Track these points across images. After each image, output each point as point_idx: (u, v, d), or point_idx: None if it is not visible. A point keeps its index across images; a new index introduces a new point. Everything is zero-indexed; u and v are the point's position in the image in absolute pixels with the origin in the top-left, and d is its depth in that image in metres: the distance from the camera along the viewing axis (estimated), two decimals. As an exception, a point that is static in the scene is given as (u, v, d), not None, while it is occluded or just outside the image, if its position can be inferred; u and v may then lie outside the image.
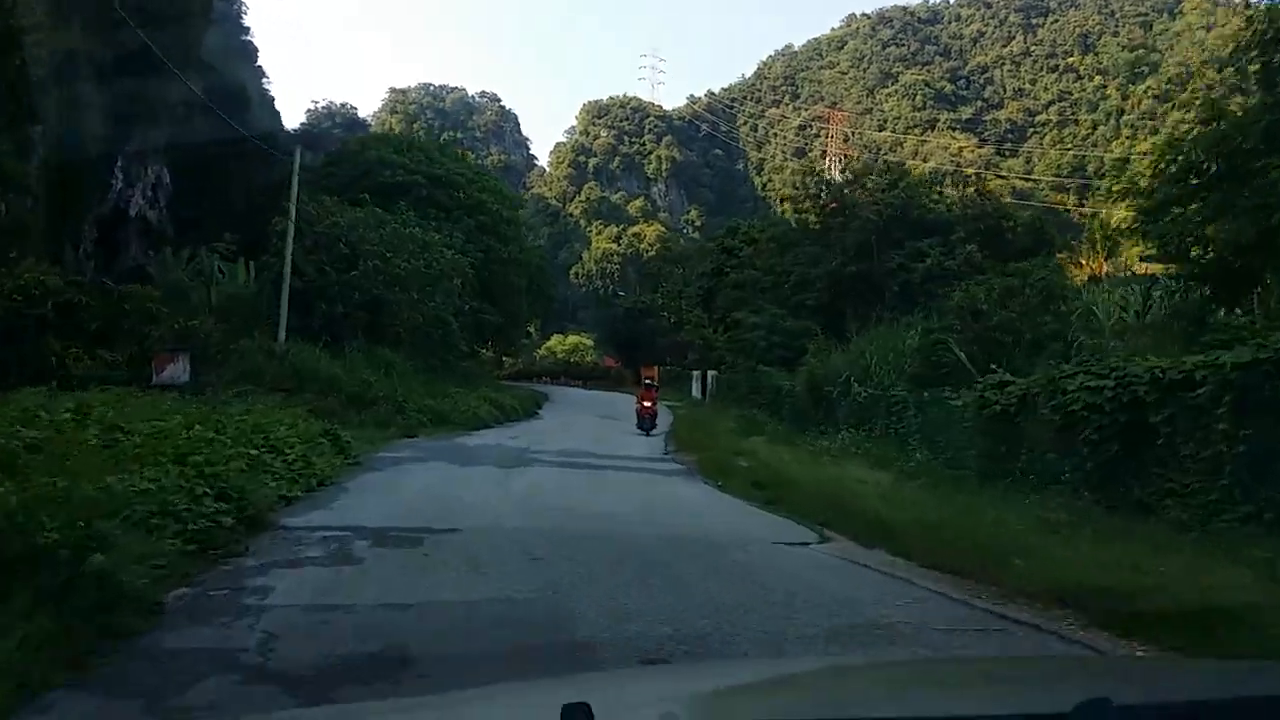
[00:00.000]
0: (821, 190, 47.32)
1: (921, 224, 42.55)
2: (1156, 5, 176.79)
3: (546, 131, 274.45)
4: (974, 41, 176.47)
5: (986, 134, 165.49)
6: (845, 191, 44.98)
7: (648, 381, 36.40)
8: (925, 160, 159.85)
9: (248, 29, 56.53)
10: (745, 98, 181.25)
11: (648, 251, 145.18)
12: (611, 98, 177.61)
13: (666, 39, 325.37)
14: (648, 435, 32.69)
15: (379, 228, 38.42)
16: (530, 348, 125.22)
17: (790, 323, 41.75)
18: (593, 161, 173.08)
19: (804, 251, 45.33)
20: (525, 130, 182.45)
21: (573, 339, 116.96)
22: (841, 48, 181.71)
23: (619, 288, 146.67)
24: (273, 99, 63.90)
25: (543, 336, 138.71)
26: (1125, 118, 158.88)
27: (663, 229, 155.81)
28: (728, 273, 63.32)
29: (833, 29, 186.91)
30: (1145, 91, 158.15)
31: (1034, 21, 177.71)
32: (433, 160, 53.86)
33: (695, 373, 54.61)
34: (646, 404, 34.11)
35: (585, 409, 45.78)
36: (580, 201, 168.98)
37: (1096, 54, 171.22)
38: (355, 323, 35.27)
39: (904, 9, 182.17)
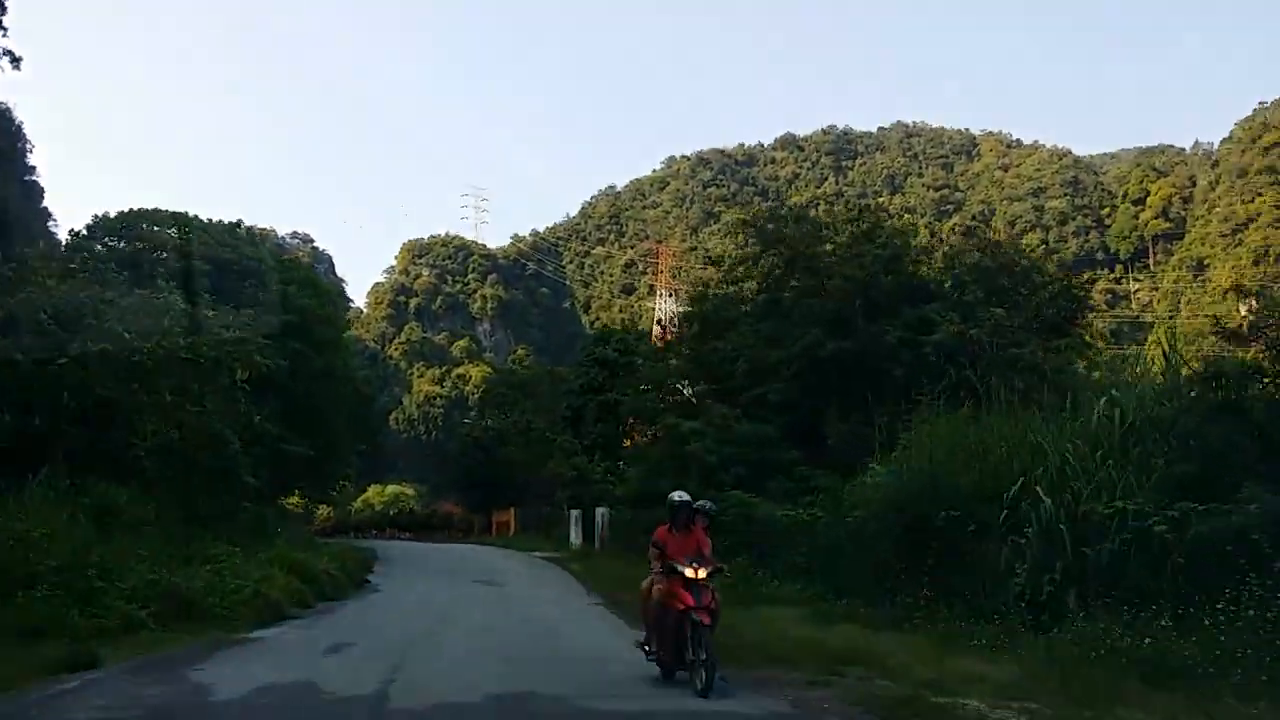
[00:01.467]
0: (774, 231, 34.50)
1: (911, 285, 30.51)
2: (955, 148, 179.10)
3: (364, 273, 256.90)
4: (789, 183, 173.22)
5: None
6: (809, 242, 32.19)
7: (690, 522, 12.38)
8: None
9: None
10: (570, 236, 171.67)
11: (473, 393, 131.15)
12: (433, 236, 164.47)
13: (489, 179, 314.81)
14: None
15: (112, 302, 23.37)
16: (343, 499, 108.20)
17: (745, 426, 28.18)
18: (414, 301, 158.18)
19: (750, 331, 32.17)
20: (341, 271, 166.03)
21: (393, 489, 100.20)
22: (664, 188, 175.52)
23: (442, 433, 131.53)
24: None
25: (358, 488, 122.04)
26: (936, 253, 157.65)
27: (489, 369, 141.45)
28: (600, 389, 49.78)
29: (654, 170, 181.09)
30: (953, 228, 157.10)
31: (844, 164, 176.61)
32: (221, 244, 39.12)
33: (574, 512, 40.39)
34: (686, 592, 11.09)
35: (441, 570, 30.70)
36: (400, 343, 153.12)
37: (904, 193, 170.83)
38: (60, 442, 19.83)
39: (721, 151, 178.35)
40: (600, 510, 37.19)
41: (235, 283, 37.21)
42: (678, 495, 11.99)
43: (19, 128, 74.85)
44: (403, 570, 29.99)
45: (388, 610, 19.99)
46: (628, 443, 50.07)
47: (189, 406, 22.26)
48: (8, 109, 73.56)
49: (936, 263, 34.16)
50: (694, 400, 32.90)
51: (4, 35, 40.78)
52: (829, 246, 32.29)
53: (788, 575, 21.04)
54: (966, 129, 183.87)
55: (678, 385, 34.29)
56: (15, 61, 40.02)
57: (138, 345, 21.91)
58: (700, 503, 12.53)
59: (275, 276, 40.69)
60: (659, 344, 37.06)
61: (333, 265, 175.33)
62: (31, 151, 68.37)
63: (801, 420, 28.61)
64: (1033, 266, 32.47)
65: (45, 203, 71.92)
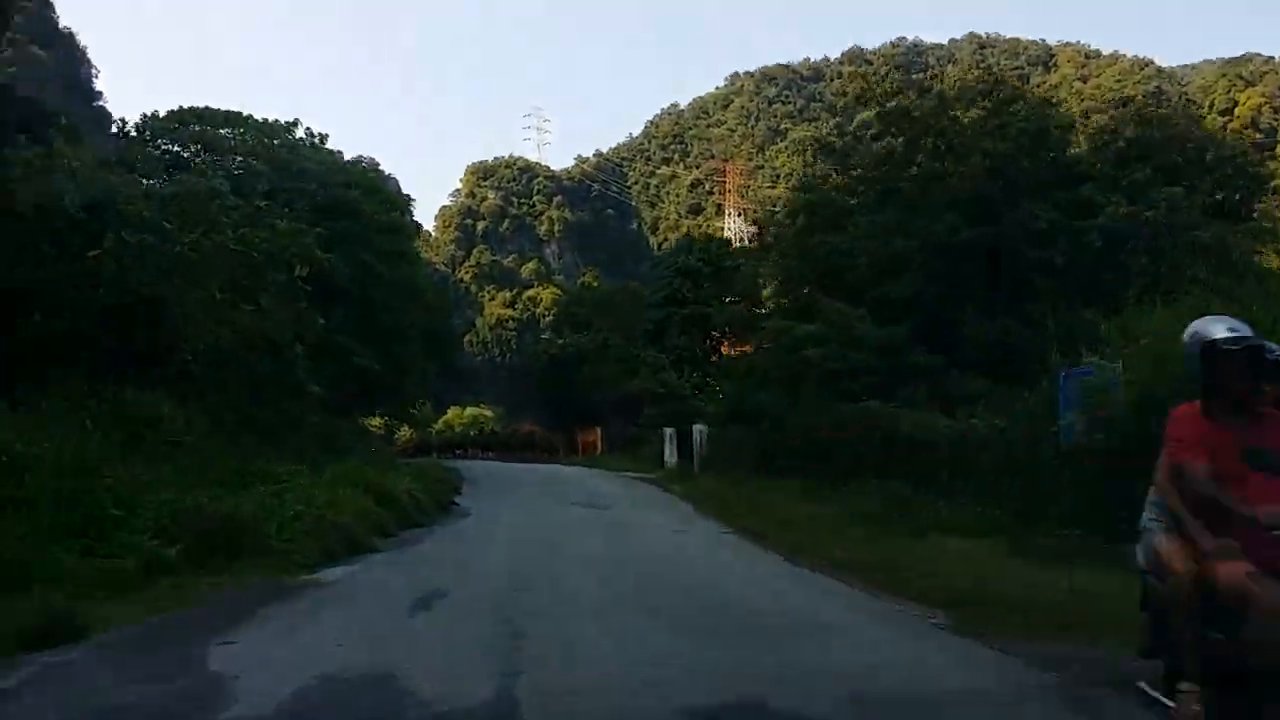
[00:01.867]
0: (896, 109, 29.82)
1: (1059, 165, 25.94)
2: (1031, 59, 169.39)
3: (430, 195, 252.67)
4: (856, 98, 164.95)
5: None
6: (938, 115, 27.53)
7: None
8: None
9: None
10: (634, 157, 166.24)
11: (544, 315, 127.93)
12: (497, 159, 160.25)
13: (550, 100, 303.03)
14: None
15: (152, 193, 19.98)
16: (424, 420, 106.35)
17: (870, 328, 23.86)
18: (481, 225, 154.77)
19: (868, 222, 27.75)
20: (410, 190, 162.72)
21: (472, 410, 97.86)
22: (727, 106, 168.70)
23: (516, 355, 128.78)
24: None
25: (437, 410, 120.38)
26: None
27: (559, 291, 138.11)
28: (684, 301, 45.83)
29: (718, 87, 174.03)
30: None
31: (914, 78, 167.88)
32: (280, 143, 35.57)
33: (668, 430, 36.72)
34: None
35: (533, 491, 27.51)
36: (470, 266, 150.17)
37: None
38: (90, 344, 16.56)
39: (786, 67, 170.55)
40: (698, 428, 33.46)
41: (294, 182, 33.62)
42: (1223, 328, 5.08)
43: (84, 52, 72.24)
44: (492, 492, 26.67)
45: (485, 541, 16.48)
46: (715, 357, 46.30)
47: (241, 305, 18.76)
48: (72, 33, 70.83)
49: (1081, 141, 29.37)
50: (796, 303, 28.78)
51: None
52: (963, 121, 27.54)
53: (950, 498, 17.09)
54: (1042, 39, 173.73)
55: (780, 289, 30.13)
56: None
57: (181, 237, 18.51)
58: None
59: (340, 178, 37.12)
60: (755, 244, 32.85)
61: (399, 187, 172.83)
62: (97, 77, 65.70)
63: (932, 319, 24.34)
64: (1207, 140, 27.56)
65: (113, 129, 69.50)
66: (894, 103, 29.99)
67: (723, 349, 46.97)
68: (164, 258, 18.08)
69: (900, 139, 28.62)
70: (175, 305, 18.00)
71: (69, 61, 63.17)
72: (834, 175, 31.62)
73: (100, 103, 65.55)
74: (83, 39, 72.56)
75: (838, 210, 28.68)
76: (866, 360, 22.86)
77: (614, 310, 66.39)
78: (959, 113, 27.80)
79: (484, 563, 13.32)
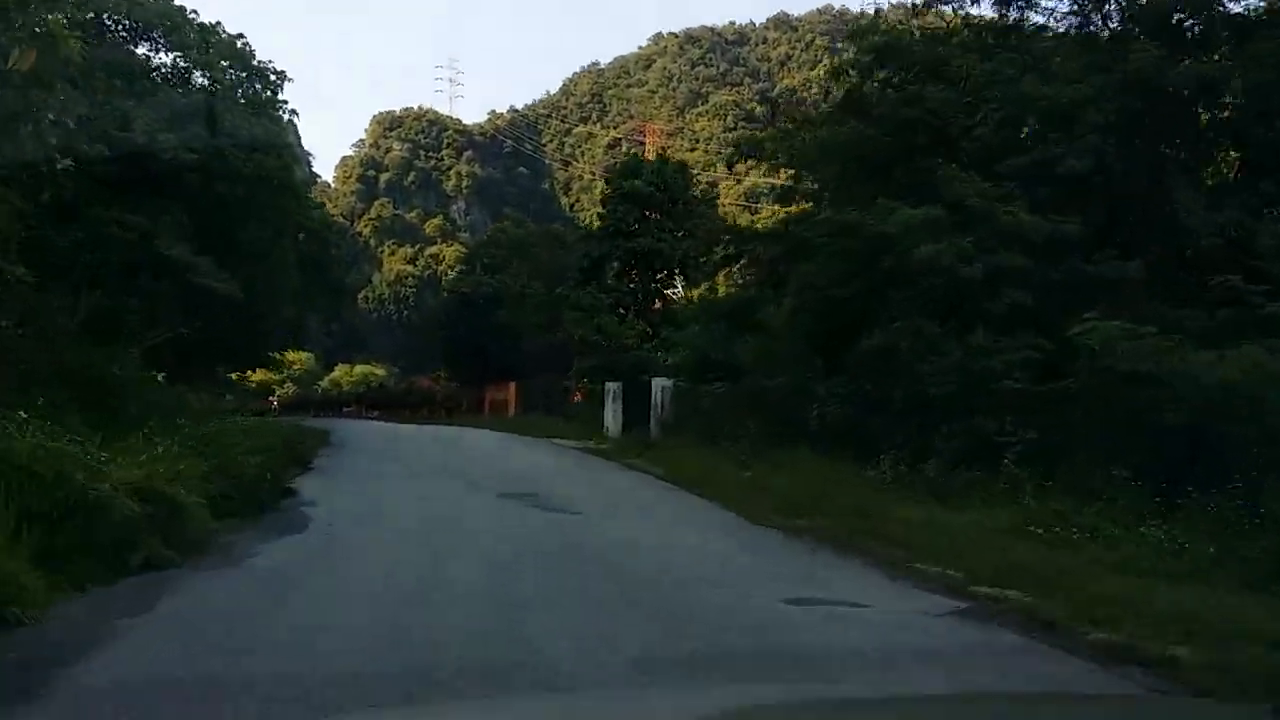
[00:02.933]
0: None
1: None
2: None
3: (332, 147, 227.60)
4: (781, 64, 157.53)
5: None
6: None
7: None
8: (739, 181, 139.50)
9: None
10: (551, 115, 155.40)
11: (446, 274, 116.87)
12: (405, 109, 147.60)
13: (464, 51, 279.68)
14: None
15: None
16: (309, 377, 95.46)
17: (1026, 218, 14.10)
18: (384, 177, 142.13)
19: (985, 72, 17.53)
20: (308, 145, 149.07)
21: (361, 369, 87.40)
22: (649, 66, 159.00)
23: (415, 313, 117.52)
24: None
25: (325, 367, 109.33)
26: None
27: (464, 249, 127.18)
28: (631, 233, 36.38)
29: (640, 47, 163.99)
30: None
31: (839, 45, 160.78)
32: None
33: (611, 386, 27.44)
34: None
35: (428, 466, 17.76)
36: (370, 219, 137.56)
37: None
38: None
39: (711, 29, 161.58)
40: (660, 383, 24.19)
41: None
42: None
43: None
44: (363, 469, 17.00)
45: (307, 606, 6.87)
46: (657, 304, 37.13)
47: None
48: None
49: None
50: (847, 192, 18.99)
51: None
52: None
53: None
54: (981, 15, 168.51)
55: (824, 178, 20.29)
56: None
57: None
58: None
59: (188, 42, 26.60)
60: (789, 121, 23.60)
61: (298, 135, 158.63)
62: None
63: (1121, 207, 15.18)
64: None
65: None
66: None
67: (666, 297, 37.81)
68: None
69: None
70: None
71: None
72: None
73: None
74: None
75: (932, 60, 18.71)
76: (1017, 268, 13.65)
77: (533, 256, 56.62)
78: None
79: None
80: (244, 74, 27.71)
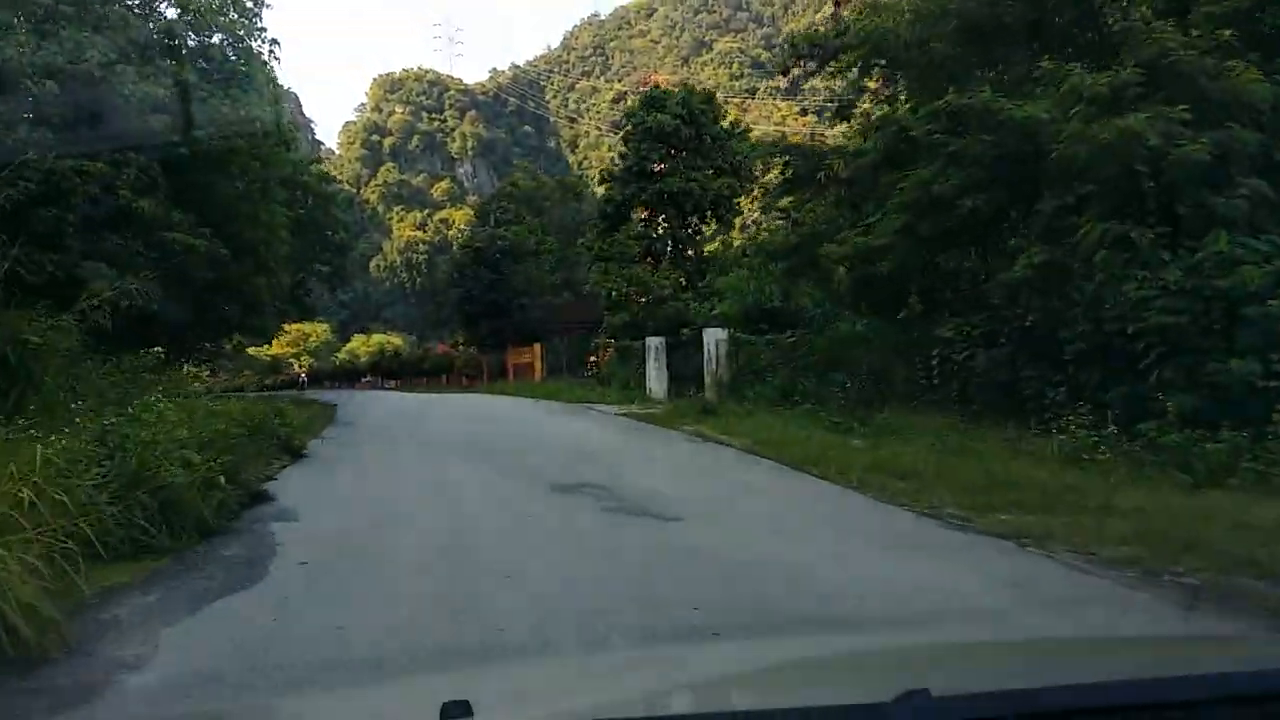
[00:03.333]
0: None
1: None
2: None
3: (335, 113, 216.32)
4: (785, 8, 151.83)
5: (806, 102, 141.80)
6: None
7: None
8: (750, 130, 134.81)
9: None
10: (553, 70, 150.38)
11: (457, 238, 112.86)
12: (406, 70, 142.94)
13: (462, 7, 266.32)
14: None
15: None
16: (327, 350, 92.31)
17: (1252, 80, 10.01)
18: (388, 141, 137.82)
19: None
20: (309, 112, 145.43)
21: (378, 339, 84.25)
22: (650, 15, 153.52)
23: (426, 280, 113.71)
24: None
25: (343, 339, 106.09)
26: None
27: (473, 211, 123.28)
28: (653, 173, 32.55)
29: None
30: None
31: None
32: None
33: (652, 343, 23.69)
34: None
35: (459, 449, 13.34)
36: (377, 185, 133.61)
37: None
38: None
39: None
40: (714, 335, 20.48)
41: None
42: None
43: None
44: (374, 451, 13.50)
45: None
46: (690, 252, 33.44)
47: None
48: None
49: None
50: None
51: None
52: None
53: None
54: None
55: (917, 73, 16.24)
56: None
57: None
58: None
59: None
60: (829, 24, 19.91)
61: (299, 105, 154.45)
62: None
63: None
64: None
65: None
66: None
67: (701, 240, 34.01)
68: None
69: None
70: None
71: None
72: None
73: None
74: None
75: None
76: (1250, 145, 9.62)
77: (546, 210, 52.83)
78: None
79: None
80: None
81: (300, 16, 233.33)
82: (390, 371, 50.11)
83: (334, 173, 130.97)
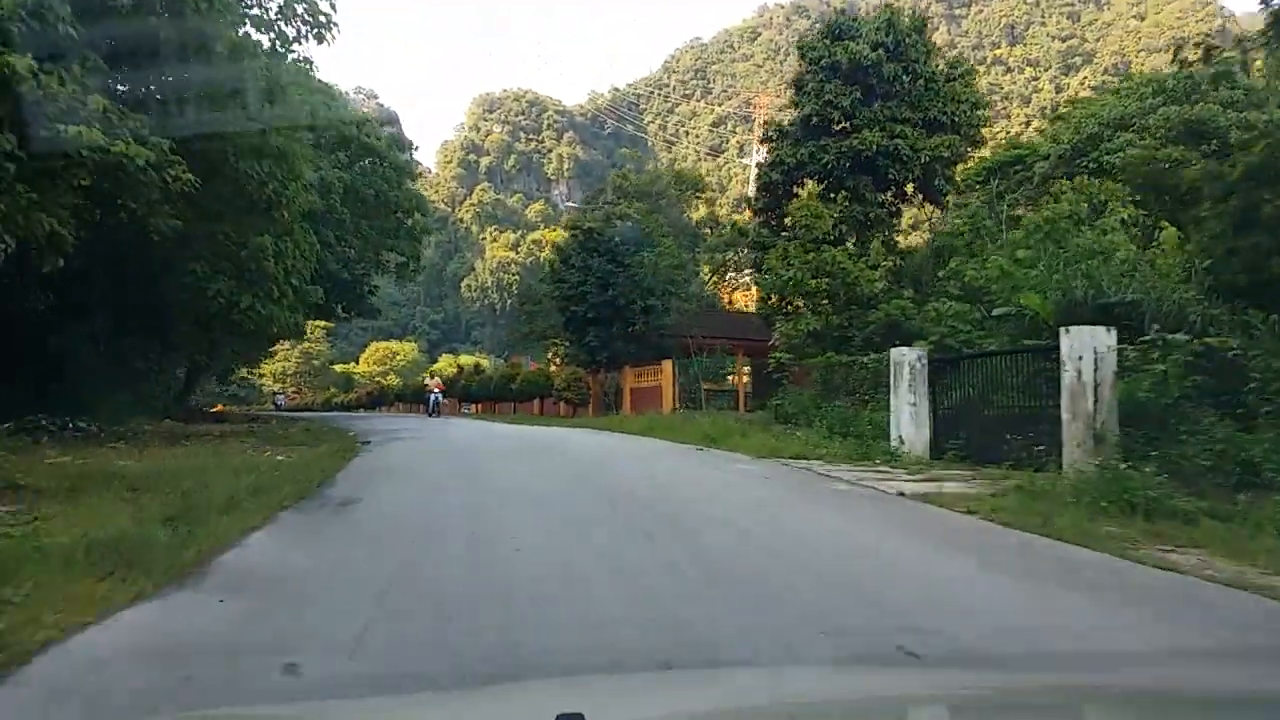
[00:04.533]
0: None
1: None
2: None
3: (433, 132, 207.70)
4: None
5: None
6: None
7: None
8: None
9: None
10: (652, 93, 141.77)
11: (553, 260, 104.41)
12: (505, 90, 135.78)
13: (564, 31, 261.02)
14: None
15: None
16: (415, 370, 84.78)
17: None
18: (485, 161, 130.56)
19: None
20: (408, 131, 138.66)
21: (466, 359, 75.71)
22: (755, 39, 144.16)
23: (517, 300, 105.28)
24: None
25: (431, 359, 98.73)
26: (1061, 110, 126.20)
27: (566, 235, 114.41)
28: (840, 127, 22.25)
29: (744, 20, 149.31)
30: (1082, 83, 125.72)
31: (957, 13, 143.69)
32: None
33: (905, 356, 13.47)
34: None
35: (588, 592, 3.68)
36: (471, 205, 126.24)
37: (1025, 44, 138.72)
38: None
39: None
40: (1087, 338, 10.02)
41: None
42: None
43: None
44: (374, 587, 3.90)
45: None
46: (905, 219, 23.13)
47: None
48: None
49: None
50: None
51: None
52: None
53: None
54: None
55: None
56: None
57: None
58: None
59: None
60: None
61: (400, 124, 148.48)
62: None
63: None
64: None
65: None
66: None
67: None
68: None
69: None
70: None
71: None
72: None
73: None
74: None
75: None
76: None
77: (662, 208, 42.99)
78: None
79: None
80: None
81: (401, 35, 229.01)
82: (471, 393, 40.33)
83: (430, 192, 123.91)
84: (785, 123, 24.05)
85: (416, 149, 29.26)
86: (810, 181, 22.52)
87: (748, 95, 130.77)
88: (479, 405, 40.63)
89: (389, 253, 27.80)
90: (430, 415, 31.94)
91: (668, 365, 23.65)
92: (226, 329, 18.07)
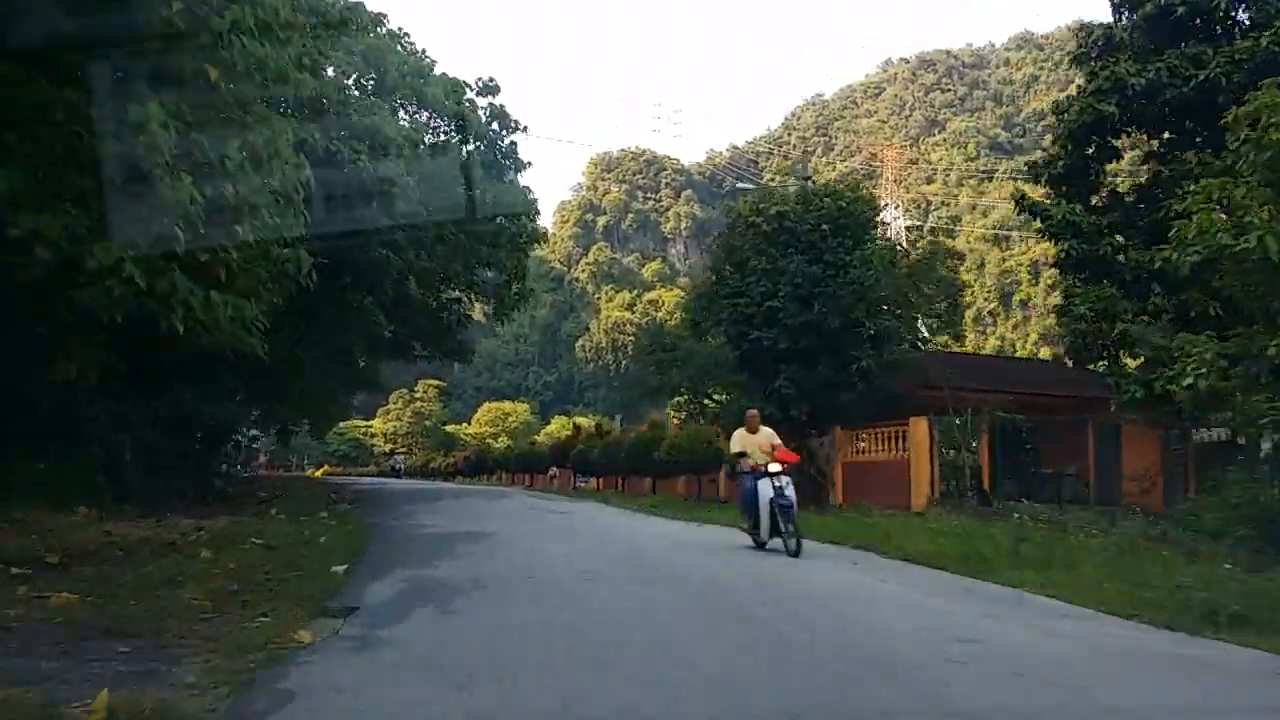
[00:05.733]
0: None
1: None
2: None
3: (550, 190, 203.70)
4: (1026, 86, 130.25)
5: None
6: None
7: None
8: (985, 214, 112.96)
9: None
10: (772, 150, 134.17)
11: (666, 320, 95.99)
12: (623, 150, 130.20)
13: (682, 89, 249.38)
14: None
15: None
16: (528, 431, 77.21)
17: None
18: (602, 220, 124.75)
19: None
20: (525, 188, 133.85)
21: (583, 420, 67.60)
22: (879, 95, 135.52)
23: (632, 362, 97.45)
24: None
25: (543, 419, 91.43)
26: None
27: (683, 294, 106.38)
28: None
29: (868, 75, 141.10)
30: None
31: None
32: None
33: None
34: None
35: None
36: (588, 264, 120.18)
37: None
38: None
39: (946, 52, 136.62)
40: None
41: None
42: None
43: None
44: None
45: None
46: None
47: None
48: None
49: None
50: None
51: None
52: None
53: None
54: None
55: None
56: None
57: None
58: None
59: None
60: None
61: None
62: None
63: None
64: None
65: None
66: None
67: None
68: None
69: None
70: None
71: None
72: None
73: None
74: None
75: None
76: None
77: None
78: None
79: None
80: None
81: (521, 97, 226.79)
82: (591, 463, 31.02)
83: (546, 252, 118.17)
84: (1093, 52, 15.19)
85: (525, 129, 21.39)
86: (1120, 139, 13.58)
87: (871, 150, 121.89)
88: (601, 480, 32.14)
89: (483, 268, 19.82)
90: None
91: (919, 426, 14.63)
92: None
